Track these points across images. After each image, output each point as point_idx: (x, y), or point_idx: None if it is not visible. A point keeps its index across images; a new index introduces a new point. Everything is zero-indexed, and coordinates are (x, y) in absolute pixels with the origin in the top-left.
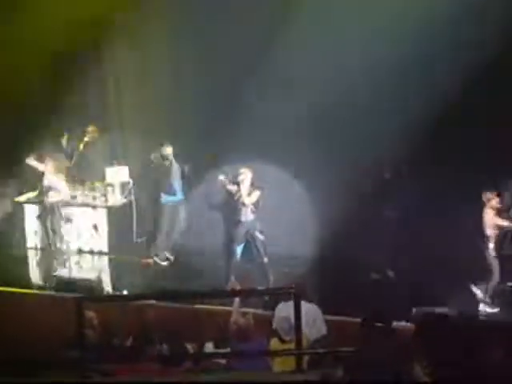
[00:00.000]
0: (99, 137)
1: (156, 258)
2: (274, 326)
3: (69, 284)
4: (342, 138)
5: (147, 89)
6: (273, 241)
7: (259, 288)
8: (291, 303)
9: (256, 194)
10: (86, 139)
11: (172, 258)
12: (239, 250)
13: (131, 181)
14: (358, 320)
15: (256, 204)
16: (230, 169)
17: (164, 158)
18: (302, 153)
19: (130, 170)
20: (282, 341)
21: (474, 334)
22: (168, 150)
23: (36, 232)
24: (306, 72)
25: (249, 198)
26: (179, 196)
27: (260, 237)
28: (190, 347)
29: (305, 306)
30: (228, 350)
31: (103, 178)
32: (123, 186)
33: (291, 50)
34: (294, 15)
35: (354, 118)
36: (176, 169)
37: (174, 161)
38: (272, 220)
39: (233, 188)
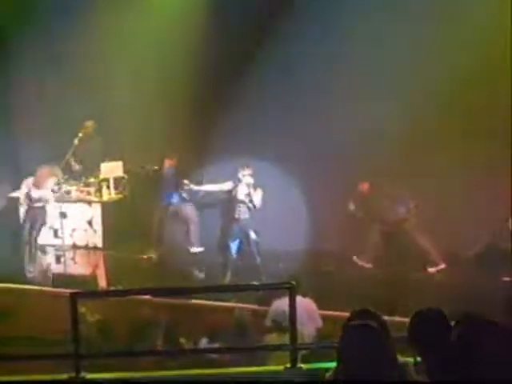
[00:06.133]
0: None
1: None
2: (269, 322)
3: (63, 279)
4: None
5: (142, 87)
6: (267, 237)
7: (255, 283)
8: (287, 299)
9: (259, 193)
10: (81, 134)
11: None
12: (234, 246)
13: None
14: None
15: (258, 203)
16: (226, 168)
17: None
18: (296, 150)
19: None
20: (277, 337)
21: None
22: None
23: None
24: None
25: (256, 197)
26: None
27: (253, 236)
28: (184, 342)
29: (300, 301)
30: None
31: (98, 174)
32: (118, 181)
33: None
34: None
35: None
36: None
37: None
38: (266, 216)
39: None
